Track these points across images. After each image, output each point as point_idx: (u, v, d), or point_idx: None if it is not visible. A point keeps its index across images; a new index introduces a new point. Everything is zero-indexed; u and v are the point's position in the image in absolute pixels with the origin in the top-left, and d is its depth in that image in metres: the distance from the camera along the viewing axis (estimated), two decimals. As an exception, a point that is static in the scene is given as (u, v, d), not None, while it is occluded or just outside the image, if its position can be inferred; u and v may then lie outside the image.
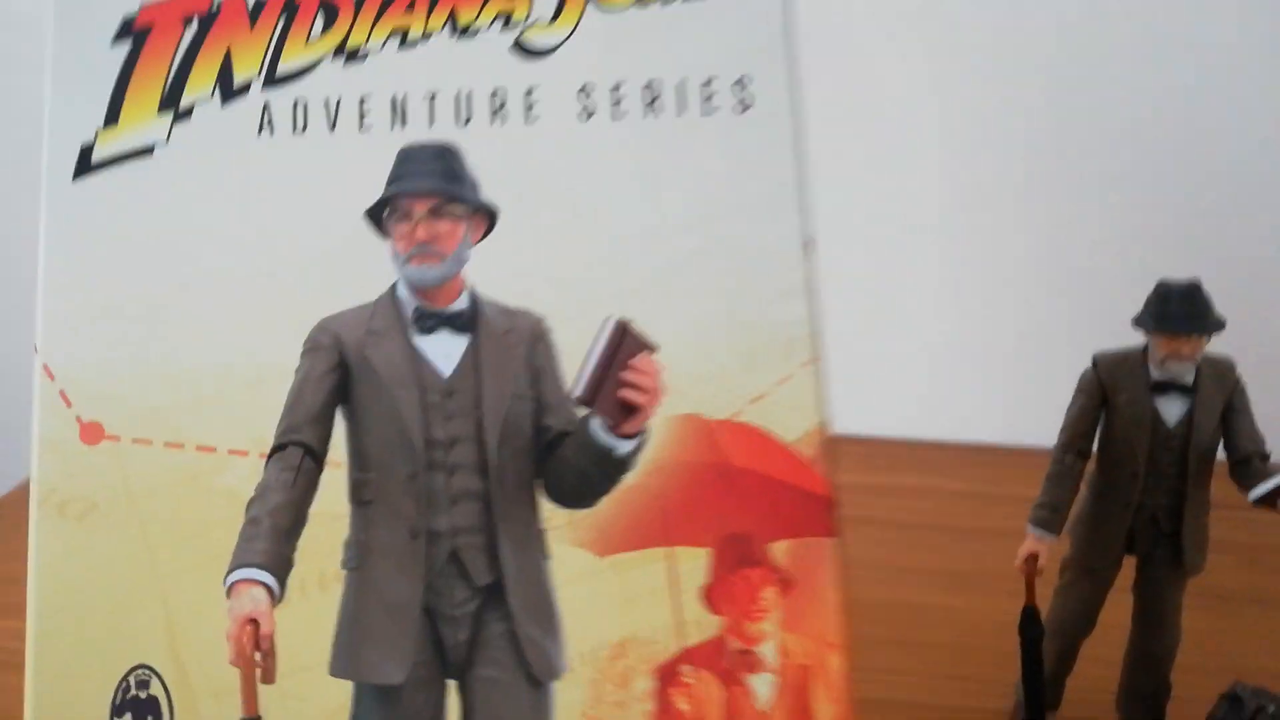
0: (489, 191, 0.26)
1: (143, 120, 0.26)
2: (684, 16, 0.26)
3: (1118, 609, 0.46)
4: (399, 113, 0.26)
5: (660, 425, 0.25)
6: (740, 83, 0.26)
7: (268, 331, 0.25)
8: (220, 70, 0.26)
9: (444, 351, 0.26)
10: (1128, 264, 0.67)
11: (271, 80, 0.26)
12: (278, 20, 0.27)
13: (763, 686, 0.24)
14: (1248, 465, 0.41)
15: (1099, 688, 0.49)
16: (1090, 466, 0.44)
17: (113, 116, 0.26)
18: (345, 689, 0.24)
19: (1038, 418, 0.64)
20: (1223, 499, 0.43)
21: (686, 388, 0.25)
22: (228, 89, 0.26)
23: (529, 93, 0.26)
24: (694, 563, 0.25)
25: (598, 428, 0.25)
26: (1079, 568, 0.45)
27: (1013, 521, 0.57)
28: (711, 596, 0.24)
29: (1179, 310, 0.39)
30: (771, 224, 0.25)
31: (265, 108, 0.26)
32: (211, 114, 0.26)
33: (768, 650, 0.24)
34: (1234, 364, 0.41)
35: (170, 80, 0.26)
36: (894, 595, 0.57)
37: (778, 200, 0.25)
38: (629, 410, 0.25)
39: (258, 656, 0.24)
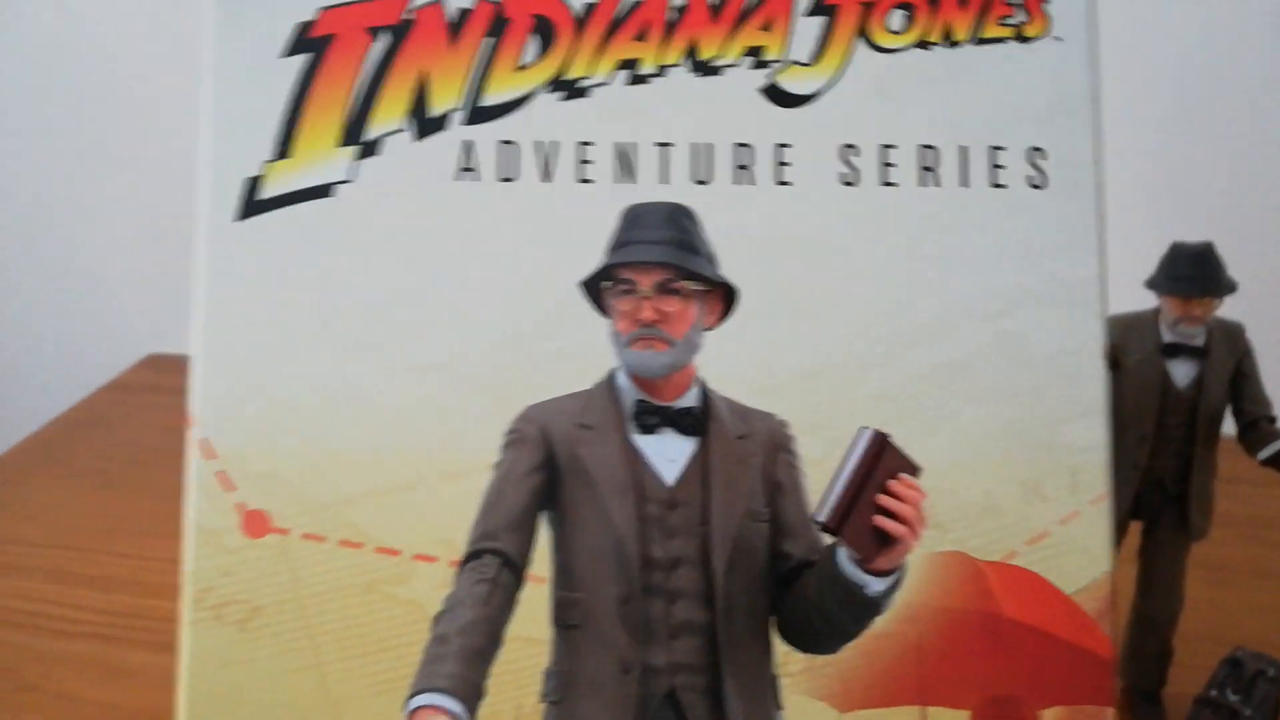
0: (728, 266, 0.22)
1: (321, 153, 0.22)
2: (975, 64, 0.22)
3: (1119, 576, 0.46)
4: (625, 163, 0.22)
5: (920, 562, 0.21)
6: (1039, 151, 0.22)
7: (463, 416, 0.22)
8: (414, 97, 0.22)
9: (668, 455, 0.22)
10: (1139, 231, 0.72)
11: (476, 113, 0.22)
12: (484, 37, 0.22)
13: None
14: (1255, 428, 0.41)
15: None
16: None
17: (284, 147, 0.22)
18: (539, 843, 0.21)
19: None
20: (1225, 472, 0.42)
21: (954, 519, 0.21)
22: (423, 121, 0.22)
23: (782, 147, 0.22)
24: (949, 728, 0.21)
25: (845, 560, 0.21)
26: None
27: None
28: (971, 770, 0.21)
29: (1191, 272, 0.39)
30: (1072, 325, 0.21)
31: (468, 147, 0.22)
32: (402, 150, 0.22)
33: (1032, 837, 0.21)
34: (1244, 328, 0.41)
35: (354, 106, 0.22)
36: None
37: (1080, 295, 0.21)
38: (884, 541, 0.21)
39: None
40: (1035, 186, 0.22)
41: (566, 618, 0.22)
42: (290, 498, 0.22)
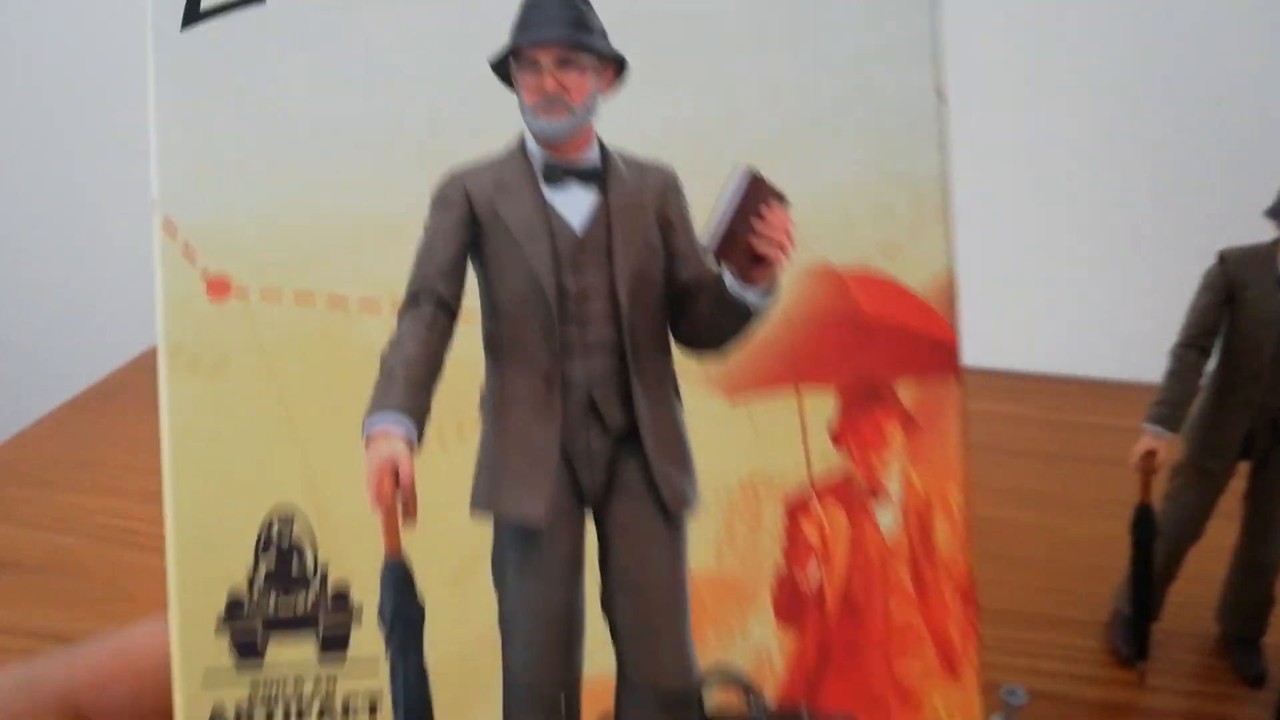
0: (618, 40, 0.25)
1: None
2: None
3: (1220, 530, 0.47)
4: None
5: (791, 276, 0.25)
6: None
7: (396, 183, 0.25)
8: None
9: (574, 204, 0.25)
10: (1219, 200, 0.70)
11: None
12: None
13: (887, 517, 0.26)
14: None
15: (1198, 603, 0.50)
16: (1210, 366, 0.44)
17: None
18: (485, 526, 0.25)
19: (1124, 353, 0.72)
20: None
21: (818, 239, 0.25)
22: None
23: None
24: (822, 403, 0.25)
25: (730, 280, 0.25)
26: (1192, 471, 0.45)
27: (1100, 450, 0.64)
28: (839, 435, 0.25)
29: None
30: (909, 73, 0.25)
31: None
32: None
33: (892, 485, 0.26)
34: None
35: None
36: (986, 513, 0.57)
37: (916, 49, 0.25)
38: (760, 261, 0.25)
39: (398, 500, 0.25)
40: None
41: (496, 344, 0.25)
42: (247, 264, 0.25)
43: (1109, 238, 0.76)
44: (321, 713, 0.25)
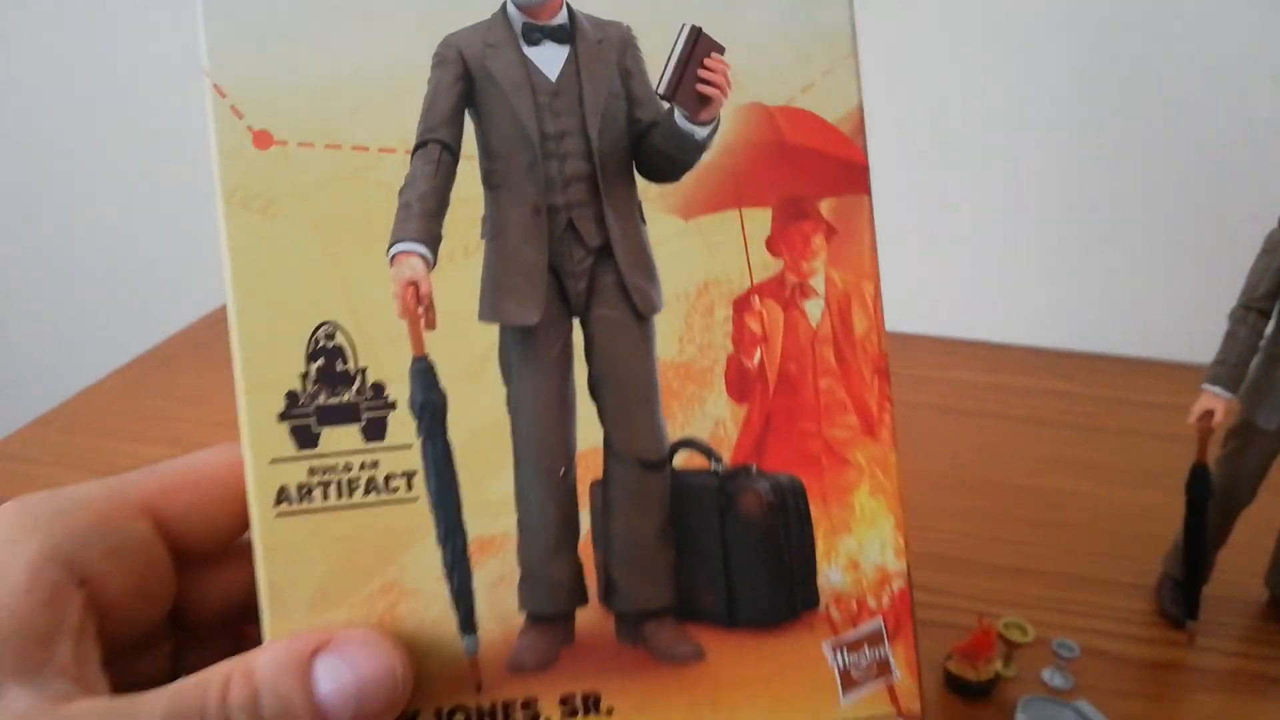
0: (578, -85, 0.30)
1: None
2: None
3: (1268, 505, 0.48)
4: None
5: (729, 113, 0.31)
6: None
7: (403, 50, 0.30)
8: None
9: (549, 60, 0.31)
10: (1244, 188, 0.71)
11: None
12: None
13: (814, 309, 0.32)
14: None
15: (1247, 570, 0.51)
16: (1269, 329, 0.44)
17: None
18: (492, 331, 0.31)
19: (1177, 333, 0.75)
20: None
21: (750, 81, 0.31)
22: None
23: None
24: (759, 219, 0.31)
25: (679, 117, 0.31)
26: (1247, 433, 0.45)
27: (1150, 425, 0.67)
28: (773, 245, 0.31)
29: None
30: None
31: None
32: None
33: (817, 282, 0.32)
34: None
35: None
36: (1030, 481, 0.61)
37: None
38: (704, 101, 0.31)
39: (420, 310, 0.31)
40: None
41: (492, 180, 0.31)
42: (284, 120, 0.30)
43: (1158, 216, 0.75)
44: (367, 488, 0.31)
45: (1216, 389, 0.43)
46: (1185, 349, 0.66)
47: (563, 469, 0.32)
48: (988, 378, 0.71)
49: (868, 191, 0.31)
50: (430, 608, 0.31)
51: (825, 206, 0.31)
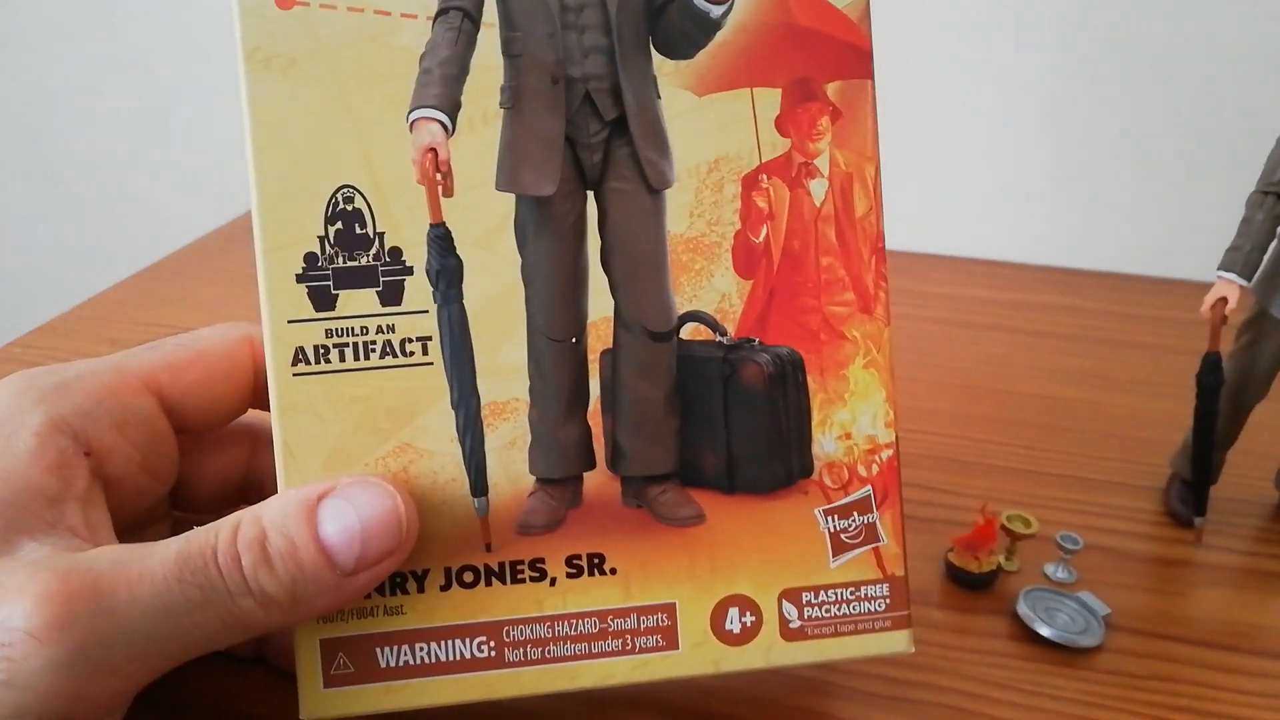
0: None
1: None
2: None
3: (1278, 411, 0.47)
4: None
5: (743, -10, 0.32)
6: None
7: None
8: None
9: None
10: (1257, 102, 0.71)
11: None
12: None
13: (818, 188, 0.33)
14: None
15: (1256, 475, 0.50)
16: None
17: None
18: (508, 200, 0.32)
19: (1187, 251, 0.73)
20: None
21: None
22: None
23: None
24: (769, 99, 0.33)
25: None
26: (1261, 325, 0.43)
27: (1152, 338, 0.66)
28: (781, 124, 0.33)
29: None
30: None
31: None
32: None
33: (822, 163, 0.33)
34: None
35: None
36: (1038, 389, 0.60)
37: None
38: None
39: (439, 176, 0.31)
40: None
41: (511, 49, 0.32)
42: (304, -21, 0.30)
43: (1169, 132, 0.75)
44: (384, 351, 0.32)
45: (1231, 275, 0.41)
46: (1197, 267, 0.62)
47: (574, 337, 0.33)
48: (997, 294, 0.71)
49: (870, 76, 0.33)
50: (443, 469, 0.32)
51: (831, 89, 0.33)
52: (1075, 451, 0.54)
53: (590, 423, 0.33)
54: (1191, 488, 0.46)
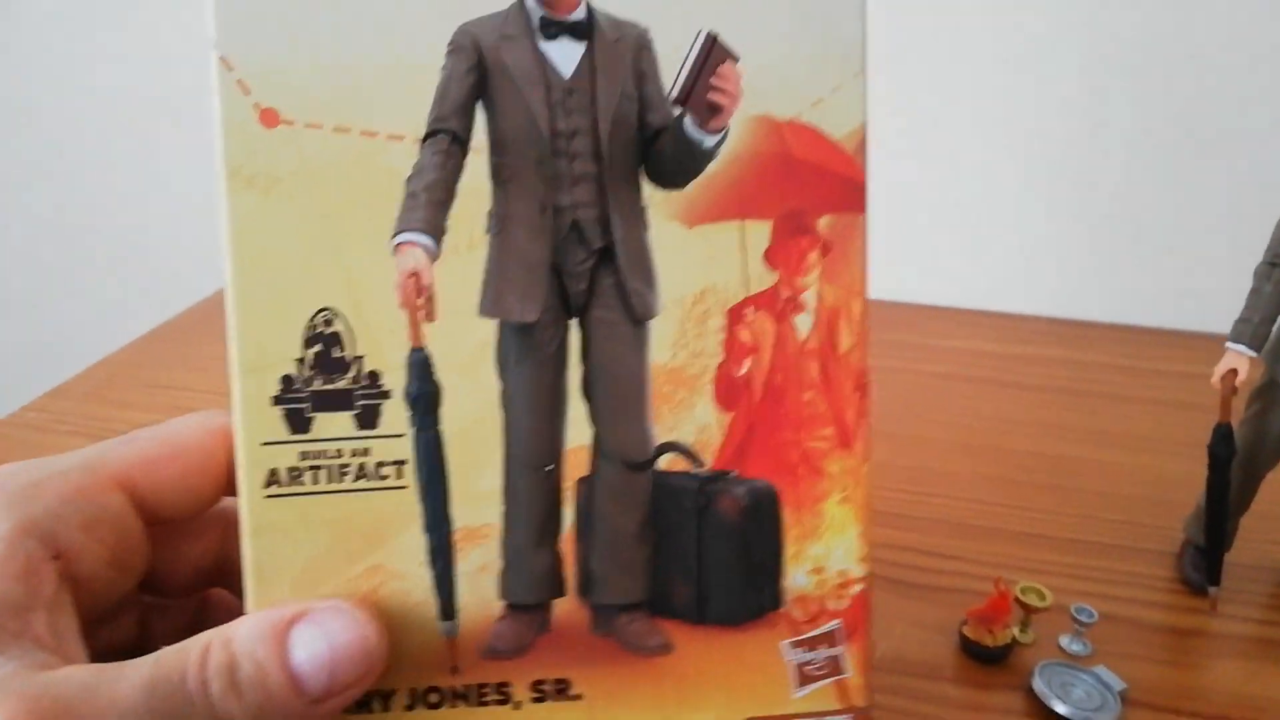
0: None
1: None
2: None
3: None
4: None
5: (739, 123, 0.31)
6: None
7: (417, 34, 0.30)
8: None
9: (565, 55, 0.31)
10: (1261, 155, 0.71)
11: None
12: None
13: (803, 323, 0.33)
14: None
15: (1271, 539, 0.50)
16: None
17: None
18: (491, 325, 0.31)
19: (1182, 302, 0.76)
20: None
21: (761, 93, 0.31)
22: None
23: None
24: (760, 231, 0.32)
25: (689, 124, 0.31)
26: (1272, 394, 0.44)
27: (1163, 394, 0.66)
28: (771, 256, 0.32)
29: None
30: None
31: None
32: None
33: (809, 297, 0.33)
34: None
35: None
36: (1047, 448, 0.60)
37: None
38: (715, 110, 0.31)
39: (421, 301, 0.31)
40: None
41: (500, 175, 0.31)
42: (293, 99, 0.29)
43: (1174, 185, 0.75)
44: (358, 474, 0.31)
45: (1240, 347, 0.41)
46: (1205, 319, 0.65)
47: (550, 464, 0.32)
48: (1000, 347, 0.71)
49: (863, 210, 0.32)
50: (414, 591, 0.32)
51: (823, 223, 0.32)
52: (1084, 514, 0.53)
53: (562, 550, 0.33)
54: (1205, 555, 0.45)
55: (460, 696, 0.32)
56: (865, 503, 0.34)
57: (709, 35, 0.30)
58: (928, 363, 0.69)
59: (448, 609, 0.32)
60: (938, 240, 0.81)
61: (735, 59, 0.31)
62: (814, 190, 0.32)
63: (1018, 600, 0.43)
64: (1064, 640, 0.44)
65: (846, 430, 0.33)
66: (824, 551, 0.34)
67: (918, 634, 0.45)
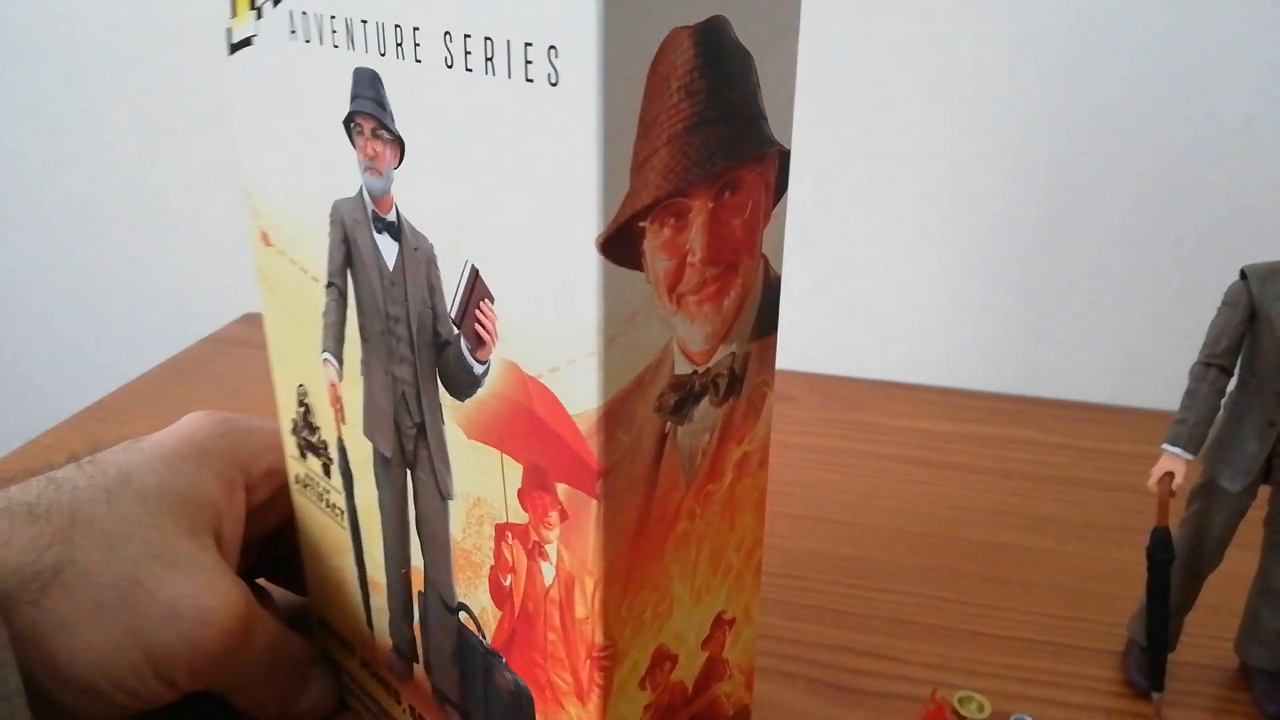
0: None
1: (244, 14, 0.34)
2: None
3: (1238, 561, 0.45)
4: (351, 34, 0.30)
5: (497, 362, 0.29)
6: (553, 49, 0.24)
7: (321, 203, 0.34)
8: None
9: (388, 249, 0.32)
10: (1256, 223, 0.68)
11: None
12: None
13: (548, 571, 0.31)
14: None
15: (1216, 634, 0.48)
16: (1231, 386, 0.42)
17: (232, 8, 0.35)
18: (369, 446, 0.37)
19: (1143, 380, 0.73)
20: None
21: (510, 341, 0.29)
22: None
23: (416, 30, 0.28)
24: (514, 469, 0.30)
25: (464, 347, 0.30)
26: (1211, 494, 0.43)
27: (1112, 476, 0.63)
28: (522, 499, 0.31)
29: None
30: (571, 217, 0.25)
31: (290, 15, 0.32)
32: (270, 17, 0.33)
33: (551, 550, 0.30)
34: None
35: (246, -21, 0.33)
36: (996, 537, 0.58)
37: (578, 194, 0.24)
38: (479, 340, 0.30)
39: (336, 407, 0.38)
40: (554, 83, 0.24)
41: (362, 333, 0.35)
42: (273, 228, 0.37)
43: (1127, 262, 0.74)
44: (326, 504, 0.41)
45: (1177, 450, 0.41)
46: (1156, 395, 0.65)
47: (404, 568, 0.38)
48: (956, 427, 0.70)
49: (596, 497, 0.28)
50: (355, 594, 0.42)
51: (561, 490, 0.29)
52: (1030, 610, 0.52)
53: (416, 631, 0.39)
54: (1149, 657, 0.45)
55: (356, 676, 0.42)
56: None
57: (473, 267, 0.29)
58: (879, 443, 0.68)
59: (366, 619, 0.41)
60: (894, 315, 0.80)
61: (491, 298, 0.29)
62: (553, 454, 0.29)
63: (955, 711, 0.43)
64: (1002, 751, 0.45)
65: (582, 689, 0.31)
66: (562, 774, 0.33)
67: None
